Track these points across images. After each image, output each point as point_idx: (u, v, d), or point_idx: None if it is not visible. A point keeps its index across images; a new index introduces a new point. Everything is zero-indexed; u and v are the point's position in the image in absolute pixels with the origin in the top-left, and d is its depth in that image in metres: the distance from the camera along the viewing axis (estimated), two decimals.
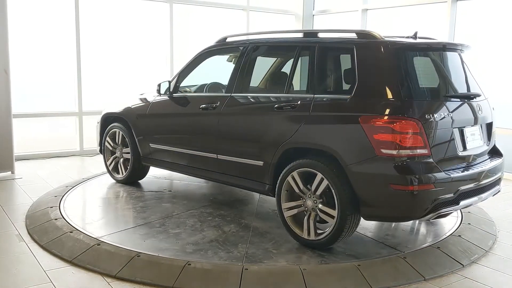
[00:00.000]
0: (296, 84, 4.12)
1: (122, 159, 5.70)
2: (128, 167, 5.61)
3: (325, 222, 3.76)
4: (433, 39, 4.34)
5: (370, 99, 3.58)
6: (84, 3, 7.52)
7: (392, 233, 4.27)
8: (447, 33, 7.35)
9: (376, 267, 3.56)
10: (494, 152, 4.26)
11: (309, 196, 3.81)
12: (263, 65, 4.80)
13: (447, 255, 3.79)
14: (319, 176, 3.70)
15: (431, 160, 3.46)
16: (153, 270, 3.44)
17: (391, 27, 8.51)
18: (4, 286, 3.24)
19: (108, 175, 5.95)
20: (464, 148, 3.76)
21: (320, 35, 4.23)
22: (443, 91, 3.95)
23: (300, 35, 4.48)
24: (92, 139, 7.72)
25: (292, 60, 4.23)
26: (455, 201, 3.55)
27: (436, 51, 4.03)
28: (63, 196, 5.09)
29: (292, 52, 4.33)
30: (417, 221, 4.57)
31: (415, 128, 3.40)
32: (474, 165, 3.85)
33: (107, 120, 5.84)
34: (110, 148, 5.81)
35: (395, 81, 3.54)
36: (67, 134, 7.94)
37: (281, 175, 3.97)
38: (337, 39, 4.11)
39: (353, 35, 3.90)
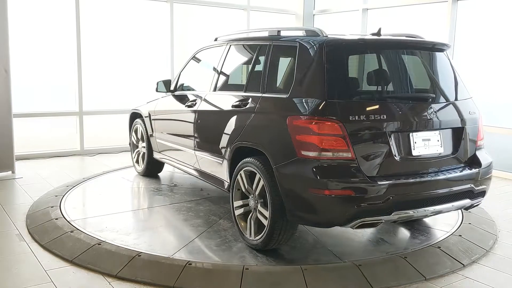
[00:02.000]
0: (253, 82, 4.14)
1: (141, 153, 6.08)
2: (145, 160, 6.00)
3: None
4: (411, 36, 4.01)
5: (300, 98, 3.49)
6: (85, 2, 7.51)
7: (391, 234, 4.26)
8: (447, 32, 7.35)
9: (377, 267, 3.55)
10: (473, 161, 3.81)
11: (252, 195, 3.81)
12: (233, 65, 4.87)
13: (447, 255, 3.79)
14: (257, 176, 3.69)
15: (355, 164, 3.25)
16: (153, 269, 3.45)
17: (392, 27, 8.51)
18: (5, 286, 3.24)
19: (105, 175, 6.21)
20: (409, 154, 3.47)
21: (282, 33, 4.15)
22: (383, 92, 3.68)
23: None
24: (92, 138, 7.78)
25: (253, 59, 4.23)
26: (385, 211, 3.28)
27: (378, 49, 3.79)
28: (63, 196, 5.10)
29: (253, 51, 4.32)
30: (417, 222, 4.58)
31: (337, 129, 3.23)
32: (422, 173, 3.50)
33: (134, 116, 6.25)
34: (135, 142, 6.23)
35: (323, 80, 3.38)
36: (67, 134, 7.92)
37: (233, 173, 4.01)
38: (286, 38, 3.99)
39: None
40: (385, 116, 3.38)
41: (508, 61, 6.92)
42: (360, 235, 4.18)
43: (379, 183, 3.26)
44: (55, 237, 3.99)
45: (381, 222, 3.35)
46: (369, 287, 3.31)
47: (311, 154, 3.27)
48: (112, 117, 8.15)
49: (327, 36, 3.61)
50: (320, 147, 3.24)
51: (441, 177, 3.53)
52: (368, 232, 4.26)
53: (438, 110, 3.63)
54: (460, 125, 3.76)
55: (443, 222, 4.53)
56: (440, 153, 3.63)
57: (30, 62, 7.50)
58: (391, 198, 3.27)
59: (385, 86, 3.75)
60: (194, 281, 3.33)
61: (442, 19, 7.51)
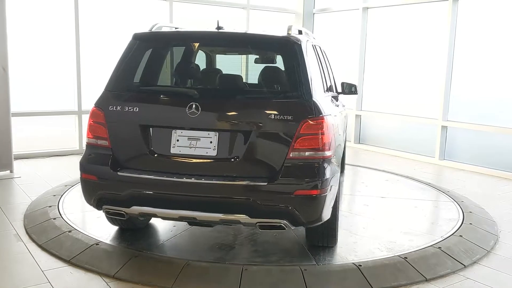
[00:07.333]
0: None
1: None
2: None
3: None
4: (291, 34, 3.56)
5: None
6: (84, 0, 7.48)
7: (392, 234, 4.23)
8: (448, 32, 7.33)
9: (377, 268, 3.53)
10: (269, 173, 3.21)
11: None
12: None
13: (448, 256, 3.77)
14: None
15: (109, 152, 3.42)
16: (152, 270, 3.42)
17: (392, 26, 8.48)
18: (2, 286, 3.22)
19: None
20: (167, 151, 3.32)
21: None
22: (150, 85, 3.83)
23: None
24: None
25: None
26: (125, 203, 3.33)
27: (179, 43, 4.03)
28: (62, 195, 5.07)
29: None
30: (417, 221, 4.57)
31: (99, 117, 3.46)
32: (180, 174, 3.27)
33: None
34: None
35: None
36: (66, 133, 7.90)
37: None
38: None
39: None
40: (137, 109, 3.43)
41: (508, 60, 6.90)
42: (361, 235, 4.15)
43: (119, 174, 3.36)
44: (53, 237, 3.96)
45: (124, 213, 3.39)
46: (369, 287, 3.29)
47: (86, 139, 3.58)
48: None
49: (150, 30, 3.78)
50: (89, 133, 3.54)
51: (200, 181, 3.23)
52: (368, 231, 4.24)
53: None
54: (247, 129, 3.26)
55: (443, 222, 4.51)
56: (211, 156, 3.29)
57: (28, 61, 7.47)
58: (133, 191, 3.34)
59: (156, 80, 3.95)
60: (193, 281, 3.31)
61: (442, 18, 7.49)
